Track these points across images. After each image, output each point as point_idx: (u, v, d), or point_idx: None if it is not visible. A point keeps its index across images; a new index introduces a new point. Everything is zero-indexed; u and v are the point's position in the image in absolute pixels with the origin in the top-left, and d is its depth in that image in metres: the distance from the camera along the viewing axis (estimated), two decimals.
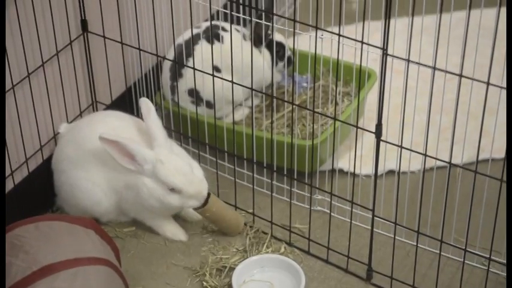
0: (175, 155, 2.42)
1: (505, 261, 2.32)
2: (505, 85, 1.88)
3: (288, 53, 2.90)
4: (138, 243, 2.57)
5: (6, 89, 2.33)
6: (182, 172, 2.39)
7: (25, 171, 2.53)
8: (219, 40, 2.75)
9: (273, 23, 2.50)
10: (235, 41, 2.69)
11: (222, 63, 2.70)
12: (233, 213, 2.56)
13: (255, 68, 2.60)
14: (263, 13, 2.74)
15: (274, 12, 2.67)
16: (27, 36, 2.40)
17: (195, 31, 2.75)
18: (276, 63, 2.86)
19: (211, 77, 2.46)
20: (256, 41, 2.78)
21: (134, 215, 2.59)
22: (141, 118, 2.69)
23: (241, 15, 2.66)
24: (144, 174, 2.40)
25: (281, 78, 2.96)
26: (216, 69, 2.69)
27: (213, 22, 2.79)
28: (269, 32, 2.80)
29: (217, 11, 2.97)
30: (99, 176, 2.50)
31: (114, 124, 2.52)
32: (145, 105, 2.46)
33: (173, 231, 2.59)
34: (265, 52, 2.83)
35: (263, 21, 2.67)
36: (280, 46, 2.88)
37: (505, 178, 1.99)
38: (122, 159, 2.37)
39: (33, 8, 2.38)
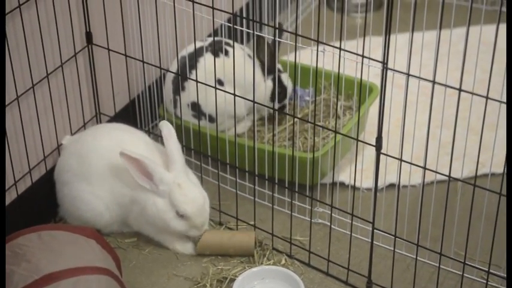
0: (192, 183, 2.46)
1: (504, 275, 2.33)
2: (504, 99, 1.90)
3: (286, 101, 2.88)
4: (140, 254, 2.59)
5: (11, 99, 2.36)
6: (196, 202, 2.44)
7: (28, 181, 2.55)
8: (223, 53, 2.76)
9: (277, 51, 2.49)
10: (240, 56, 2.70)
11: (225, 76, 2.72)
12: (237, 238, 2.55)
13: (258, 85, 2.61)
14: (267, 35, 2.75)
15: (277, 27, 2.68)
16: (32, 47, 2.42)
17: (199, 44, 2.77)
18: (273, 100, 2.82)
19: (214, 91, 2.47)
20: (263, 69, 2.78)
21: (138, 230, 2.60)
22: (145, 131, 2.72)
23: (244, 28, 2.68)
24: (157, 194, 2.42)
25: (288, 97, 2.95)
26: (219, 82, 2.71)
27: (218, 39, 2.81)
28: (279, 67, 2.79)
29: (221, 25, 3.00)
30: (103, 189, 2.51)
31: (120, 138, 2.54)
32: (167, 128, 2.47)
33: (183, 245, 2.60)
34: (269, 83, 2.82)
35: (265, 35, 2.68)
36: (283, 89, 2.86)
37: (504, 192, 2.00)
38: (138, 176, 2.40)
39: (39, 20, 2.41)
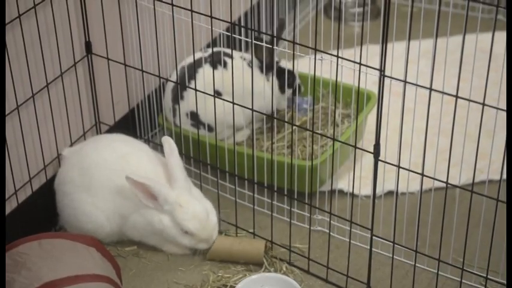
0: (193, 199, 2.48)
1: (502, 281, 2.34)
2: (500, 106, 1.91)
3: (297, 81, 2.89)
4: (140, 262, 2.59)
5: (11, 108, 2.37)
6: (198, 217, 2.47)
7: (29, 190, 2.56)
8: (222, 65, 2.77)
9: (273, 48, 2.51)
10: (239, 67, 2.71)
11: (223, 88, 2.73)
12: (246, 246, 2.56)
13: (258, 95, 2.61)
14: (264, 36, 2.76)
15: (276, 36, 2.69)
16: (32, 57, 2.43)
17: (200, 55, 2.78)
18: (284, 91, 2.84)
19: (212, 101, 2.48)
20: (264, 69, 2.78)
21: (139, 240, 2.61)
22: (145, 140, 2.72)
23: (242, 37, 2.69)
24: (162, 212, 2.45)
25: (287, 105, 2.95)
26: (217, 93, 2.71)
27: (219, 49, 2.82)
28: (276, 59, 2.80)
29: (220, 34, 3.01)
30: (106, 201, 2.52)
31: (122, 150, 2.54)
32: (168, 144, 2.49)
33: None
34: (275, 80, 2.82)
35: (263, 44, 2.69)
36: (290, 74, 2.85)
37: (501, 198, 2.02)
38: (143, 198, 2.43)
39: (38, 30, 2.42)
